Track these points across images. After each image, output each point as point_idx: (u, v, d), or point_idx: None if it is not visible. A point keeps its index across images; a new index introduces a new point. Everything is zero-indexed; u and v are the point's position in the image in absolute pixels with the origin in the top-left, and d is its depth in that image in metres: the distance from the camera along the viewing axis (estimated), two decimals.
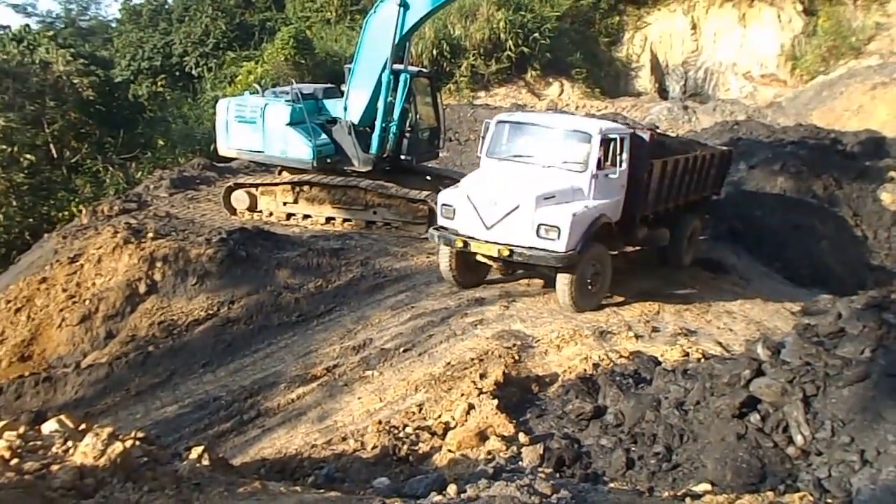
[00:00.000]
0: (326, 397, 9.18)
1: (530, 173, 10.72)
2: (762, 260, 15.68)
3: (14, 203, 19.86)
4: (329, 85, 15.69)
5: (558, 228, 9.98)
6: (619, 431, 6.59)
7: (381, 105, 13.66)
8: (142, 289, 12.12)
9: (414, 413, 8.36)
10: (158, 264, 12.38)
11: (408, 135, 14.19)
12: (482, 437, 6.74)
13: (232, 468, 4.73)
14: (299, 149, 13.89)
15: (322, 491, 4.12)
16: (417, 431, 7.35)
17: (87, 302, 11.92)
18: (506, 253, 10.32)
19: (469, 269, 11.51)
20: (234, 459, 8.09)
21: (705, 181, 13.23)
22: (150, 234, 13.03)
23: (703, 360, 8.30)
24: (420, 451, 6.73)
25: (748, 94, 31.49)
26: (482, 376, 8.73)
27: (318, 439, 8.30)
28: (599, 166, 10.50)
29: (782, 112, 27.35)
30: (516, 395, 8.36)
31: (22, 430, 4.08)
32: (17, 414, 9.85)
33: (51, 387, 10.55)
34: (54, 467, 3.51)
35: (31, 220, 19.96)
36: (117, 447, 3.65)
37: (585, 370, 8.60)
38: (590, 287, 10.68)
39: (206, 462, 4.15)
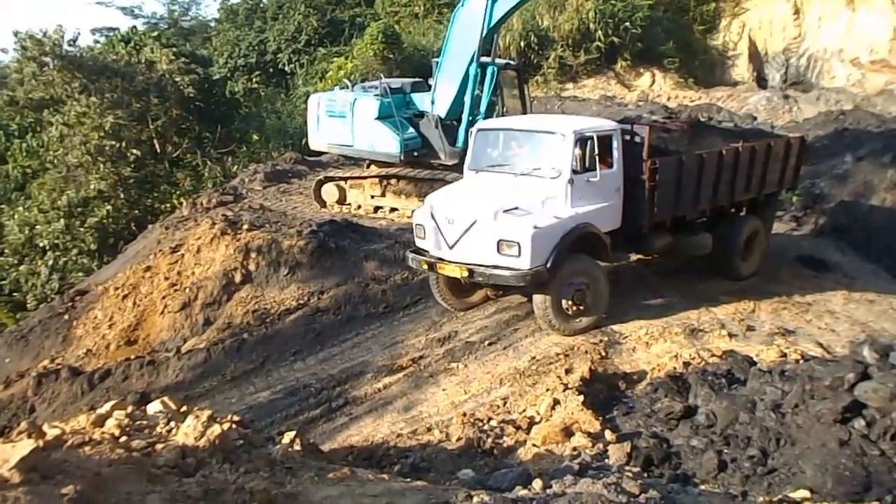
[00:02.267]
0: (412, 388, 9.29)
1: (500, 184, 9.74)
2: (870, 257, 14.76)
3: (122, 195, 21.05)
4: (417, 79, 15.83)
5: (518, 244, 8.90)
6: (711, 432, 6.38)
7: (468, 98, 13.67)
8: (237, 278, 12.61)
9: (498, 406, 8.37)
10: (253, 255, 12.85)
11: None
12: (567, 432, 6.68)
13: (322, 454, 4.87)
14: (387, 142, 14.09)
15: (409, 480, 4.17)
16: (502, 425, 7.36)
17: (187, 290, 12.51)
18: (465, 273, 9.42)
19: (461, 291, 10.66)
20: (323, 445, 8.32)
21: (764, 176, 11.55)
22: (245, 226, 13.54)
23: (802, 361, 7.92)
24: (504, 445, 6.73)
25: (856, 82, 29.66)
26: (568, 371, 8.66)
27: (404, 429, 8.43)
28: (577, 170, 9.37)
29: (894, 101, 25.62)
30: (603, 392, 8.24)
31: (129, 409, 4.33)
32: (124, 395, 10.51)
33: (154, 370, 11.11)
34: (159, 446, 3.71)
35: (136, 211, 21.11)
36: (216, 429, 3.82)
37: (675, 368, 8.37)
38: (574, 307, 9.49)
39: (297, 447, 4.29)
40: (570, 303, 9.47)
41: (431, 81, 14.44)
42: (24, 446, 3.02)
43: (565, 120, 10.54)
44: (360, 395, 9.38)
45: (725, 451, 6.08)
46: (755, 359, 8.20)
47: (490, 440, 6.83)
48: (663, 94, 28.15)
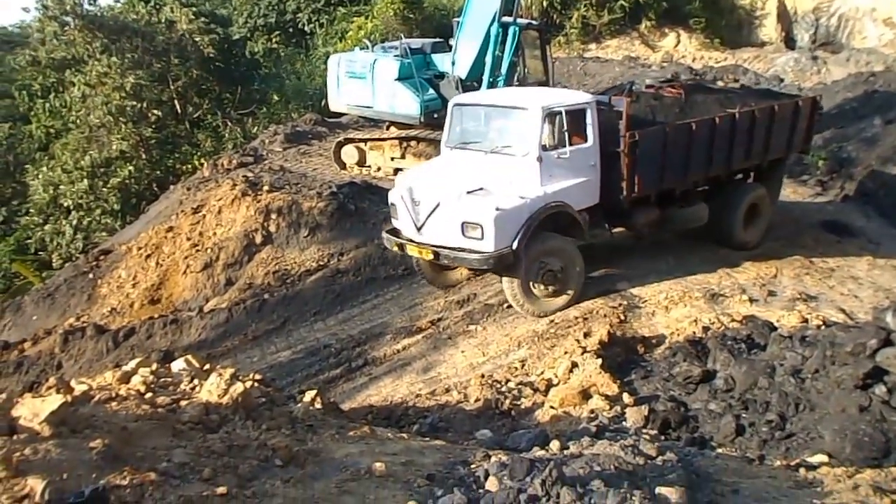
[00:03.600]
0: (431, 349, 9.37)
1: (471, 162, 9.46)
2: None
3: (143, 156, 21.13)
4: (437, 39, 15.62)
5: (481, 226, 8.64)
6: (730, 397, 6.39)
7: (488, 59, 13.48)
8: (258, 239, 12.72)
9: (516, 368, 8.43)
10: (273, 216, 12.94)
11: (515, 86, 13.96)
12: (585, 395, 6.72)
13: (342, 412, 4.94)
14: (407, 104, 13.98)
15: (427, 439, 4.23)
16: (520, 387, 7.42)
17: (208, 250, 12.64)
18: (430, 256, 9.26)
19: (441, 269, 10.51)
20: (343, 404, 8.45)
21: (768, 142, 10.97)
22: (266, 188, 13.59)
23: (823, 327, 7.86)
24: (522, 406, 6.79)
25: (888, 43, 28.77)
26: (586, 335, 8.66)
27: (423, 389, 8.53)
28: (547, 147, 9.04)
29: None
30: (621, 356, 8.26)
31: (154, 367, 4.42)
32: (148, 352, 10.72)
33: (177, 328, 11.30)
34: (183, 403, 3.79)
35: (158, 172, 21.20)
36: (239, 387, 3.89)
37: (694, 333, 8.36)
38: (545, 287, 9.26)
39: (318, 405, 4.36)
40: (540, 284, 9.23)
41: (452, 42, 14.24)
42: (54, 401, 3.10)
43: (535, 95, 9.98)
44: (379, 355, 9.49)
45: (743, 415, 6.09)
46: (776, 324, 8.15)
47: (508, 401, 6.90)
48: (688, 55, 27.55)
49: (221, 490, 2.99)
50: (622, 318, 9.14)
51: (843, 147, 15.80)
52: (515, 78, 13.92)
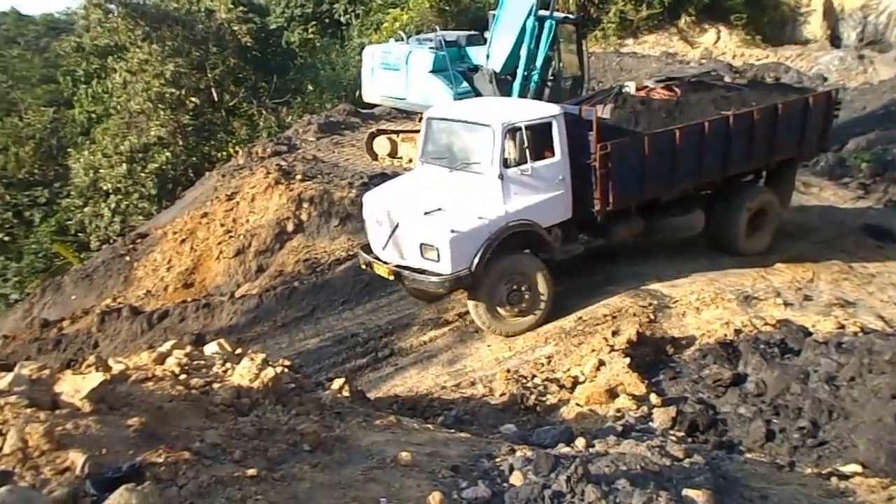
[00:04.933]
0: (457, 342, 9.39)
1: (436, 179, 9.22)
2: None
3: (180, 142, 21.47)
4: (473, 32, 15.56)
5: (437, 248, 8.45)
6: (760, 401, 6.31)
7: (523, 53, 13.39)
8: (290, 227, 12.86)
9: (542, 364, 8.41)
10: (305, 205, 13.06)
11: (550, 84, 13.86)
12: (612, 394, 6.68)
13: (368, 401, 4.99)
14: (440, 96, 13.96)
15: (452, 431, 4.26)
16: (546, 383, 7.41)
17: (241, 237, 12.82)
18: (391, 277, 9.10)
19: None
20: (369, 394, 8.53)
21: (773, 143, 10.41)
22: (299, 177, 13.73)
23: (861, 334, 7.69)
24: (548, 402, 6.78)
25: None
26: (615, 333, 8.60)
27: (448, 381, 8.56)
28: (510, 163, 8.78)
29: None
30: (649, 356, 8.18)
31: (188, 349, 4.51)
32: (180, 335, 10.91)
33: (209, 313, 11.49)
34: (216, 385, 3.87)
35: (194, 158, 21.52)
36: (269, 372, 3.96)
37: (726, 335, 8.24)
38: (511, 307, 9.01)
39: (346, 393, 4.41)
40: (505, 305, 8.99)
41: (487, 35, 14.19)
42: (94, 379, 3.19)
43: (497, 109, 9.56)
44: (405, 346, 9.53)
45: (774, 420, 6.01)
46: (811, 329, 8.00)
47: (533, 397, 6.89)
48: (728, 51, 27.06)
49: (251, 472, 3.05)
50: (652, 317, 9.06)
51: (889, 150, 15.40)
52: (550, 72, 13.83)
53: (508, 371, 8.27)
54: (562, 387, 7.33)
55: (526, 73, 13.29)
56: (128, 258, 13.46)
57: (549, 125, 8.97)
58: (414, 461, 3.49)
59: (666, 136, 9.50)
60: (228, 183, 14.59)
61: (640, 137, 9.39)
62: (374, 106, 18.12)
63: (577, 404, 6.62)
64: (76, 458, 2.69)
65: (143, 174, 20.17)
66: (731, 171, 10.38)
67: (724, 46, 27.75)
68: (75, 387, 3.17)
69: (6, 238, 21.83)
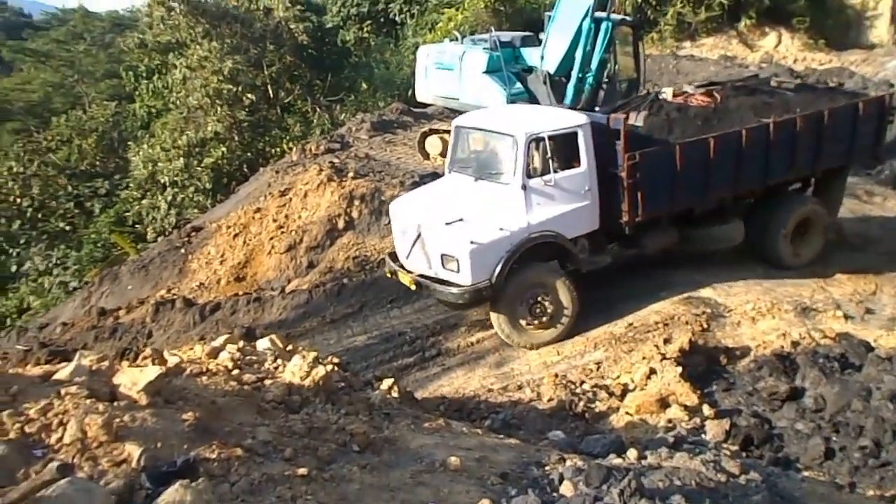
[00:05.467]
0: (504, 344, 9.31)
1: (460, 188, 9.12)
2: None
3: (236, 138, 21.89)
4: (527, 33, 15.44)
5: (456, 259, 8.37)
6: (819, 418, 6.09)
7: (579, 54, 13.22)
8: (340, 224, 12.96)
9: (591, 370, 8.29)
10: (356, 202, 13.16)
11: (605, 86, 13.66)
12: (663, 403, 6.54)
13: (417, 402, 4.97)
14: (494, 97, 13.90)
15: (501, 436, 4.22)
16: (594, 389, 7.31)
17: (293, 233, 12.98)
18: (413, 286, 9.01)
19: None
20: (416, 393, 8.55)
21: (819, 151, 10.00)
22: (351, 174, 13.83)
23: None
24: (597, 410, 6.68)
25: None
26: (666, 341, 8.43)
27: (495, 384, 8.51)
28: (532, 174, 8.63)
29: None
30: (702, 365, 8.01)
31: (241, 344, 4.57)
32: (231, 328, 11.11)
33: (259, 307, 11.65)
34: (268, 382, 3.91)
35: (248, 154, 21.92)
36: (320, 370, 3.98)
37: (782, 347, 8.01)
38: (533, 319, 8.84)
39: (395, 394, 4.40)
40: (528, 317, 8.83)
41: (542, 36, 14.06)
42: (151, 372, 3.25)
43: (523, 119, 9.33)
44: (452, 347, 9.51)
45: (834, 438, 5.80)
46: (873, 344, 7.72)
47: (582, 403, 6.79)
48: (789, 55, 26.28)
49: (302, 471, 3.07)
50: (705, 326, 8.86)
51: None
52: (605, 75, 13.62)
53: (556, 376, 8.17)
54: (611, 394, 7.22)
55: (580, 76, 13.12)
56: (183, 251, 13.76)
57: (575, 135, 8.82)
58: (463, 466, 3.46)
59: (699, 146, 9.20)
60: (282, 179, 14.79)
61: (671, 147, 9.11)
62: (426, 105, 18.17)
63: (627, 413, 6.50)
64: (133, 451, 2.75)
65: (199, 168, 20.62)
66: (772, 181, 10.03)
67: (786, 50, 26.97)
68: (133, 379, 3.23)
69: (67, 228, 22.55)
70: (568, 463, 3.68)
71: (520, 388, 8.15)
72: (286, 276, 12.50)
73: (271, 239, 13.03)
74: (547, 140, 8.58)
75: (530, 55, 14.29)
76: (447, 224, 8.51)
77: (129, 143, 23.31)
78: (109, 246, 20.99)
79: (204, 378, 3.73)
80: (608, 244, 9.47)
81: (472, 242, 8.31)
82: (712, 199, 9.72)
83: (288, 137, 22.35)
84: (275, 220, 13.35)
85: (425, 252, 8.79)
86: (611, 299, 9.98)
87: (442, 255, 8.55)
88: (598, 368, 8.30)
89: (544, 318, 8.88)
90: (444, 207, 8.87)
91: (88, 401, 3.02)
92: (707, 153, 9.19)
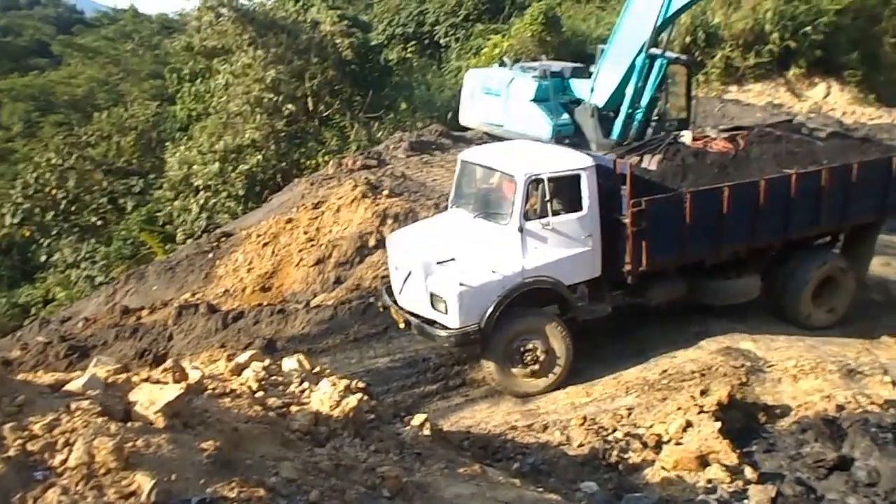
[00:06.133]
0: None
1: (458, 225, 8.88)
2: None
3: (272, 147, 21.92)
4: (578, 64, 15.22)
5: (445, 300, 8.09)
6: (873, 493, 5.68)
7: (630, 90, 12.93)
8: (371, 242, 12.75)
9: (622, 416, 7.91)
10: (389, 221, 12.96)
11: (653, 124, 13.36)
12: (702, 461, 6.14)
13: (448, 440, 4.66)
14: (539, 126, 13.63)
15: (539, 489, 3.89)
16: (628, 438, 6.93)
17: (322, 247, 12.81)
18: (402, 324, 8.79)
19: None
20: (437, 422, 8.25)
21: (846, 205, 9.55)
22: (385, 192, 13.66)
23: None
24: (630, 461, 6.31)
25: None
26: (703, 393, 8.02)
27: (519, 421, 8.16)
28: (531, 216, 8.33)
29: None
30: (740, 422, 7.61)
31: (266, 362, 4.31)
32: (253, 337, 10.91)
33: (283, 319, 11.44)
34: (293, 408, 3.64)
35: (283, 164, 21.92)
36: (351, 402, 3.71)
37: (827, 410, 7.58)
38: (525, 368, 8.49)
39: (426, 432, 4.11)
40: (519, 366, 8.49)
41: (593, 69, 13.83)
42: (171, 391, 3.00)
43: (525, 158, 8.98)
44: (477, 378, 9.18)
45: None
46: None
47: (615, 453, 6.42)
48: (838, 108, 25.81)
49: None
50: (744, 380, 8.42)
51: None
52: (655, 113, 13.34)
53: (585, 419, 7.81)
54: (645, 444, 6.84)
55: (630, 111, 12.83)
56: (211, 255, 13.66)
57: (578, 178, 8.49)
58: None
59: (711, 195, 8.81)
60: (316, 192, 14.68)
61: (681, 195, 8.71)
62: (466, 129, 18.01)
63: (664, 468, 6.12)
64: (143, 483, 2.47)
65: (233, 174, 20.65)
66: (793, 236, 9.61)
67: (835, 102, 26.50)
68: (150, 398, 2.98)
69: (99, 222, 22.70)
70: None
71: (545, 428, 7.79)
72: (312, 289, 12.30)
73: (300, 251, 12.87)
74: (546, 182, 8.27)
75: (579, 87, 14.05)
76: (438, 263, 8.28)
77: (167, 143, 23.49)
78: (138, 244, 21.08)
79: (227, 399, 3.47)
80: (612, 292, 9.07)
81: (461, 284, 8.04)
82: (725, 251, 9.31)
83: (324, 150, 22.33)
84: (305, 233, 13.20)
85: (415, 290, 8.53)
86: (644, 342, 9.62)
87: (431, 295, 8.26)
88: (629, 415, 7.92)
89: (535, 367, 8.53)
90: (439, 245, 8.64)
91: (100, 419, 2.75)
92: (720, 203, 8.83)
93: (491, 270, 8.20)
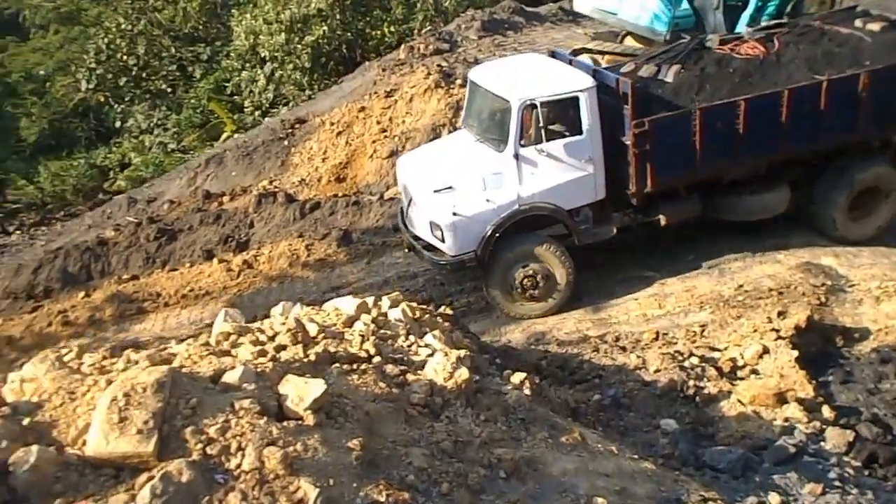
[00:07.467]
0: (601, 288, 9.09)
1: (461, 149, 8.86)
2: None
3: (338, 16, 21.26)
4: None
5: (441, 228, 8.20)
6: None
7: None
8: (444, 134, 12.61)
9: (695, 333, 8.00)
10: (462, 112, 12.71)
11: (787, 18, 12.02)
12: (780, 398, 6.27)
13: (547, 400, 4.89)
14: (655, 16, 12.40)
15: (636, 457, 4.12)
16: (703, 364, 7.06)
17: (396, 138, 12.77)
18: (406, 247, 9.06)
19: None
20: (511, 332, 8.51)
21: (886, 111, 8.72)
22: (458, 81, 13.31)
23: None
24: (707, 392, 6.49)
25: None
26: (780, 314, 7.98)
27: (591, 329, 8.37)
28: (526, 142, 8.17)
29: None
30: (816, 345, 7.63)
31: (374, 314, 4.53)
32: (329, 228, 11.24)
33: (357, 210, 11.70)
34: (410, 377, 3.88)
35: (349, 34, 21.34)
36: (464, 373, 3.92)
37: None
38: (526, 292, 8.55)
39: (527, 390, 4.34)
40: (518, 290, 8.57)
41: None
42: (316, 387, 3.23)
43: (523, 81, 8.54)
44: None
45: None
46: None
47: (692, 383, 6.58)
48: None
49: None
50: (823, 300, 8.33)
51: None
52: (790, 6, 11.93)
53: (657, 335, 7.95)
54: (719, 370, 6.97)
55: (760, 4, 11.51)
56: (286, 142, 13.78)
57: (577, 100, 8.21)
58: None
59: (724, 111, 8.29)
60: (388, 79, 14.40)
61: (688, 113, 8.22)
62: (539, 4, 17.04)
63: (740, 401, 6.29)
64: (309, 491, 2.75)
65: (299, 45, 20.27)
66: (825, 146, 8.96)
67: None
68: (299, 393, 3.23)
69: (169, 90, 22.91)
70: None
71: (617, 339, 7.96)
72: (385, 182, 12.43)
73: (373, 142, 12.87)
74: (542, 106, 8.08)
75: None
76: (436, 191, 8.38)
77: (234, 9, 23.00)
78: (208, 113, 21.28)
79: (354, 377, 3.72)
80: (619, 213, 8.93)
81: (454, 214, 8.16)
82: (743, 167, 8.87)
83: (388, 19, 21.57)
84: (378, 123, 13.13)
85: (417, 216, 8.76)
86: (720, 253, 9.47)
87: (430, 222, 8.43)
88: (702, 332, 8.01)
89: (535, 292, 8.62)
90: (440, 171, 8.70)
91: (262, 420, 3.02)
92: (734, 119, 8.32)
93: (486, 199, 8.26)
